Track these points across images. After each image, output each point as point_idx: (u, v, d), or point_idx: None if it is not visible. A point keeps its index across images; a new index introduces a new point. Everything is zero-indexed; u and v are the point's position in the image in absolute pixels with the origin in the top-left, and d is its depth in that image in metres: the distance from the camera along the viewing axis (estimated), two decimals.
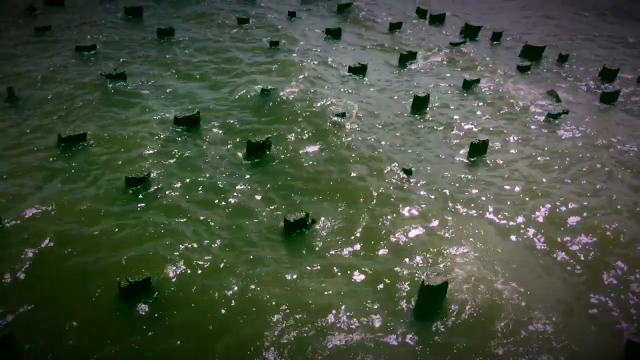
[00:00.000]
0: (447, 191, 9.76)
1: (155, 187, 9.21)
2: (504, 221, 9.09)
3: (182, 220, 8.57)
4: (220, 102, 12.24)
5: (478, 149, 10.97)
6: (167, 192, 9.15)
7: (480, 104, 13.03)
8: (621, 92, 13.89)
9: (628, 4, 23.51)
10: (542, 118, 12.44)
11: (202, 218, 8.68)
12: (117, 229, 8.21)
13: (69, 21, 16.10)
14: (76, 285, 7.22)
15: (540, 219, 9.20)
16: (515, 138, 11.68)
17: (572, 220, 9.19)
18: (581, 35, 19.12)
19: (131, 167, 9.57)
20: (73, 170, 9.55)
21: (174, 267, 7.56)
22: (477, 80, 13.85)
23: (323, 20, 17.78)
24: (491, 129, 11.98)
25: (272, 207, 9.03)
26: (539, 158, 11.01)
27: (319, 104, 12.33)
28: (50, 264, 7.55)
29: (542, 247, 8.59)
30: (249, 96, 12.51)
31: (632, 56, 17.36)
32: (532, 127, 12.13)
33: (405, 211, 9.14)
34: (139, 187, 9.11)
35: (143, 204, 8.84)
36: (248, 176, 9.82)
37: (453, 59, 15.54)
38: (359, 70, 13.99)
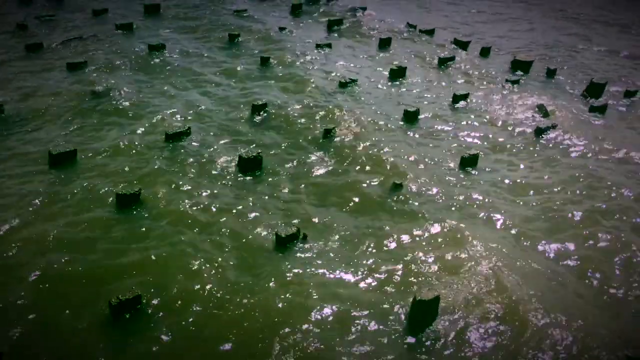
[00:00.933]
0: (438, 204, 9.79)
1: (147, 204, 9.19)
2: (496, 234, 9.12)
3: (172, 237, 8.54)
4: (212, 117, 12.26)
5: (469, 162, 11.04)
6: (157, 209, 9.13)
7: (470, 117, 13.12)
8: (609, 105, 14.02)
9: (613, 15, 23.81)
10: (531, 132, 12.54)
11: (193, 233, 8.66)
12: (106, 248, 8.18)
13: (60, 37, 16.11)
14: (65, 305, 7.17)
15: (533, 231, 9.24)
16: (505, 151, 11.76)
17: (566, 230, 9.25)
18: (568, 48, 19.32)
19: (122, 184, 9.55)
20: (63, 187, 9.52)
21: (164, 285, 7.54)
22: (467, 95, 13.96)
23: (314, 34, 17.89)
24: (481, 142, 12.06)
25: (264, 222, 9.02)
26: (529, 171, 11.09)
27: (310, 118, 12.39)
28: (42, 280, 7.50)
29: (536, 260, 8.61)
30: (241, 110, 12.55)
31: (619, 68, 17.55)
32: (522, 140, 12.22)
33: (397, 225, 9.16)
34: (130, 204, 9.09)
35: (134, 222, 8.81)
36: (239, 191, 9.82)
37: (442, 73, 15.66)
38: (350, 84, 14.07)
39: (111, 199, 9.20)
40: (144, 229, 8.65)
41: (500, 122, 12.95)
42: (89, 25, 17.21)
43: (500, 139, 12.24)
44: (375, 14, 20.57)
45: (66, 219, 8.77)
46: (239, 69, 14.81)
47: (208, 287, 7.61)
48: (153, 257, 8.08)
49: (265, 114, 12.40)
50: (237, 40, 16.77)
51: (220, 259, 8.16)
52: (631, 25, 22.75)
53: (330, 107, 12.99)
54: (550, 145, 12.09)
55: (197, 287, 7.59)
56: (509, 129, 12.72)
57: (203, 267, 7.96)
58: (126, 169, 10.16)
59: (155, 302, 7.27)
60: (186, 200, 9.37)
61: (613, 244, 8.99)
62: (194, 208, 9.23)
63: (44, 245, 8.14)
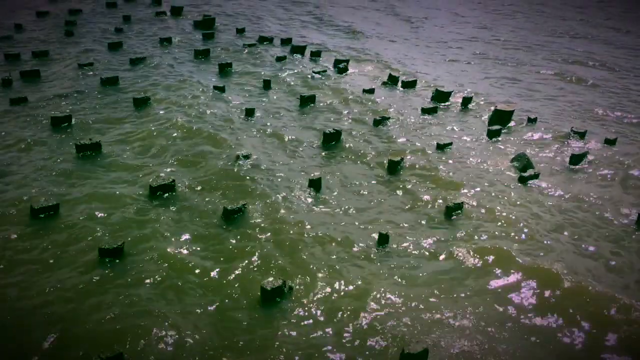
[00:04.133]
0: (424, 257, 9.79)
1: (130, 258, 9.09)
2: (482, 286, 9.09)
3: (156, 291, 8.42)
4: (197, 168, 12.26)
5: (453, 212, 11.11)
6: (141, 263, 9.03)
7: (454, 166, 13.25)
8: (589, 153, 14.25)
9: (586, 58, 24.46)
10: (514, 181, 12.68)
11: (177, 287, 8.56)
12: (88, 303, 8.04)
13: (45, 92, 16.18)
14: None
15: (520, 282, 9.23)
16: (489, 201, 11.85)
17: (552, 284, 9.23)
18: (546, 96, 19.75)
19: (105, 238, 9.46)
20: (44, 242, 9.40)
21: (148, 343, 7.38)
22: (450, 144, 14.14)
23: (298, 86, 18.13)
24: (465, 192, 12.15)
25: (249, 276, 8.94)
26: (513, 220, 11.15)
27: (294, 169, 12.44)
28: (23, 333, 7.32)
29: (522, 312, 8.57)
30: (225, 162, 12.57)
31: (598, 118, 17.91)
32: (505, 189, 12.34)
33: (382, 277, 9.12)
34: (112, 258, 8.99)
35: (116, 276, 8.70)
36: (224, 243, 9.76)
37: (425, 123, 15.88)
38: (334, 136, 14.19)
39: (93, 252, 9.08)
40: (127, 282, 8.52)
41: (484, 171, 13.09)
42: (75, 79, 17.32)
43: (485, 188, 12.34)
44: (358, 65, 20.94)
45: (49, 274, 8.63)
46: (222, 121, 14.90)
47: (190, 345, 7.46)
48: (135, 314, 7.94)
49: (248, 166, 12.43)
50: (223, 92, 16.93)
51: (204, 316, 8.03)
52: (614, 68, 23.42)
53: (315, 156, 13.09)
54: (534, 193, 12.21)
55: (179, 345, 7.44)
56: (493, 177, 12.84)
57: (186, 326, 7.82)
58: (110, 222, 10.09)
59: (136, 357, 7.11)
60: (169, 254, 9.29)
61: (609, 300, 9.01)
62: (178, 261, 9.14)
63: (24, 296, 7.98)
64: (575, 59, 25.13)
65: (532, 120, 16.27)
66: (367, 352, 7.54)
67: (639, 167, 13.94)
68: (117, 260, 8.99)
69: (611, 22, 33.79)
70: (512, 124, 16.17)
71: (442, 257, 9.79)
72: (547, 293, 8.99)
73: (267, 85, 17.92)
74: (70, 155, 12.48)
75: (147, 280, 8.65)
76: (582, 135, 15.16)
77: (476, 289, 8.99)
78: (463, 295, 8.81)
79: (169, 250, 9.43)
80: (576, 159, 13.90)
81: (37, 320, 7.71)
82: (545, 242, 10.42)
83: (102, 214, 10.30)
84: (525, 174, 12.76)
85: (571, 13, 35.80)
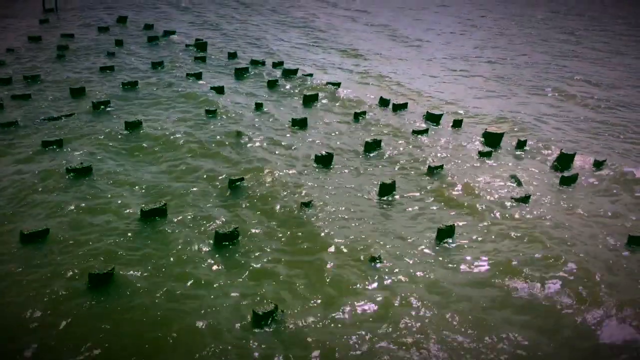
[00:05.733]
0: (416, 278, 9.76)
1: (120, 284, 9.01)
2: (474, 310, 9.05)
3: (145, 319, 8.34)
4: (188, 193, 12.23)
5: (445, 234, 11.10)
6: (132, 289, 8.95)
7: (445, 189, 13.28)
8: (579, 174, 14.34)
9: (573, 82, 24.76)
10: (505, 202, 12.71)
11: (168, 311, 8.48)
12: (77, 332, 7.95)
13: (36, 115, 16.15)
14: None
15: (511, 307, 9.21)
16: (481, 222, 11.86)
17: (547, 309, 9.22)
18: (536, 116, 19.92)
19: (95, 264, 9.38)
20: (33, 268, 9.31)
21: None
22: (441, 167, 14.19)
23: (289, 110, 18.21)
24: (457, 213, 12.17)
25: (242, 301, 8.88)
26: (505, 242, 11.16)
27: (286, 193, 12.43)
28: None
29: (515, 339, 8.53)
30: (216, 187, 12.56)
31: (587, 136, 18.07)
32: (497, 211, 12.36)
33: (374, 300, 9.09)
34: (103, 284, 8.91)
35: (106, 303, 8.61)
36: (216, 267, 9.72)
37: (416, 146, 15.95)
38: (326, 159, 14.23)
39: (83, 278, 9.00)
40: (116, 309, 8.44)
41: (475, 193, 13.12)
42: (66, 104, 17.33)
43: (476, 210, 12.36)
44: (349, 89, 21.08)
45: (37, 301, 8.54)
46: (215, 145, 14.92)
47: None
48: (124, 341, 7.86)
49: (240, 190, 12.43)
50: (215, 116, 16.98)
51: (196, 341, 7.95)
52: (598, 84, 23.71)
53: (307, 181, 13.08)
54: (526, 214, 12.24)
55: None
56: (485, 199, 12.87)
57: (179, 349, 7.74)
58: (100, 247, 10.01)
59: None
60: (160, 279, 9.22)
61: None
62: (169, 287, 9.06)
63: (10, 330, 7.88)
64: (569, 78, 25.43)
65: (522, 143, 16.38)
66: None
67: (626, 189, 14.05)
68: (107, 286, 8.91)
69: (606, 45, 34.28)
70: (501, 145, 16.27)
71: (432, 279, 9.77)
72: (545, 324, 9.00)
73: (258, 107, 18.02)
74: (61, 178, 12.41)
75: (137, 308, 8.58)
76: (571, 157, 15.25)
77: (467, 316, 8.96)
78: (456, 322, 8.79)
79: (159, 273, 9.35)
80: (566, 180, 13.98)
81: (26, 346, 7.61)
82: (536, 265, 10.43)
83: (92, 238, 10.23)
84: (517, 196, 12.80)
85: (561, 35, 36.31)
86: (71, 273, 9.22)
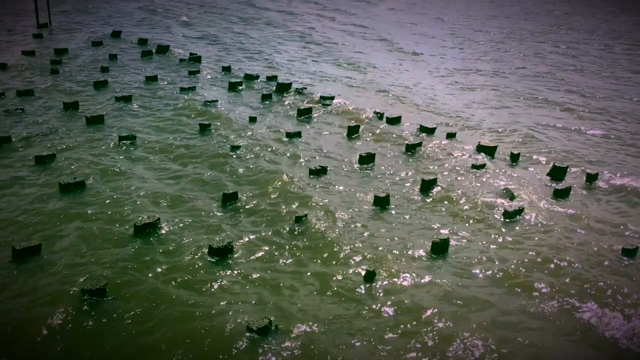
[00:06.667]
0: (410, 293, 9.74)
1: (113, 298, 8.96)
2: (467, 329, 9.03)
3: (138, 334, 8.28)
4: (182, 207, 12.20)
5: (439, 248, 11.11)
6: (125, 303, 8.90)
7: (439, 203, 13.30)
8: (572, 187, 14.38)
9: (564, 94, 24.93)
10: (499, 216, 12.72)
11: (161, 325, 8.44)
12: (70, 349, 7.89)
13: (29, 131, 16.10)
14: None
15: (506, 324, 9.19)
16: (475, 236, 11.87)
17: (541, 326, 9.21)
18: (530, 127, 20.01)
19: (88, 279, 9.33)
20: (27, 284, 9.25)
21: None
22: (435, 180, 14.20)
23: (283, 124, 18.23)
24: (451, 227, 12.18)
25: (236, 316, 8.82)
26: (498, 256, 11.16)
27: (281, 206, 12.42)
28: None
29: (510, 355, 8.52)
30: (210, 201, 12.54)
31: (579, 147, 18.16)
32: (490, 225, 12.38)
33: (367, 317, 9.07)
34: (96, 299, 8.85)
35: (100, 317, 8.56)
36: (209, 282, 9.68)
37: (410, 159, 15.99)
38: (320, 171, 14.25)
39: (75, 293, 8.95)
40: (109, 326, 8.39)
41: (468, 207, 13.14)
42: (59, 118, 17.30)
43: (470, 223, 12.38)
44: (343, 102, 21.15)
45: (28, 314, 8.48)
46: (209, 158, 14.92)
47: None
48: (119, 352, 7.81)
49: (236, 203, 12.41)
50: (208, 130, 16.98)
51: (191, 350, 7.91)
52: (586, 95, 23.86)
53: (302, 194, 13.08)
54: (519, 228, 12.27)
55: None
56: (478, 213, 12.89)
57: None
58: (93, 261, 9.97)
59: None
60: (154, 294, 9.17)
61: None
62: (163, 303, 9.01)
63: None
64: (563, 90, 25.60)
65: (515, 155, 16.44)
66: None
67: (617, 202, 14.11)
68: (101, 300, 8.86)
69: (600, 58, 34.56)
70: (495, 158, 16.33)
71: (426, 292, 9.76)
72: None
73: (252, 120, 18.07)
74: (54, 193, 12.37)
75: (132, 322, 8.52)
76: (564, 170, 15.28)
77: (467, 327, 8.94)
78: (451, 333, 8.78)
79: (153, 288, 9.30)
80: (559, 193, 14.02)
81: None
82: (531, 276, 10.44)
83: (85, 253, 10.19)
84: (510, 209, 12.82)
85: (556, 48, 36.59)
86: (64, 288, 9.15)
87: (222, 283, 9.66)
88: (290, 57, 29.65)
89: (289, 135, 16.90)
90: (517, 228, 12.28)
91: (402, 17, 47.26)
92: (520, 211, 12.81)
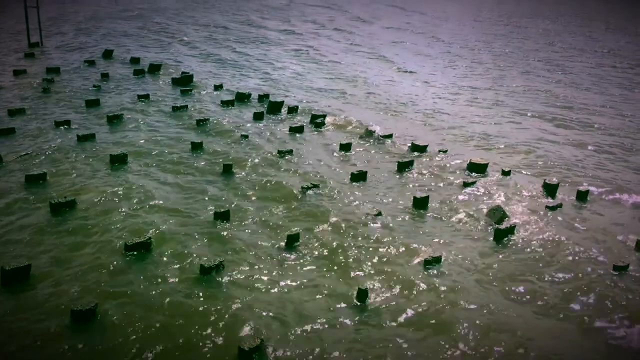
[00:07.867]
0: (403, 313, 9.72)
1: (104, 320, 8.89)
2: (466, 346, 9.02)
3: (128, 351, 8.21)
4: (173, 227, 12.15)
5: (431, 263, 11.15)
6: (114, 325, 8.83)
7: (431, 219, 13.32)
8: (563, 203, 14.45)
9: (557, 110, 25.11)
10: (490, 232, 12.75)
11: (153, 347, 8.36)
12: None
13: (20, 150, 16.04)
14: None
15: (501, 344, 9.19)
16: (467, 252, 11.88)
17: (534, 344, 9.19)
18: (521, 145, 20.09)
19: (78, 300, 9.26)
20: (15, 306, 9.17)
21: None
22: (427, 197, 14.22)
23: (275, 142, 18.26)
24: (443, 243, 12.18)
25: (228, 337, 8.77)
26: (492, 273, 11.17)
27: (273, 227, 12.41)
28: None
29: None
30: (201, 221, 12.50)
31: (571, 162, 18.25)
32: (483, 241, 12.41)
33: (359, 339, 9.03)
34: (85, 321, 8.78)
35: (90, 341, 8.49)
36: (200, 301, 9.61)
37: (402, 177, 16.03)
38: (313, 188, 14.28)
39: (66, 315, 8.87)
40: (99, 348, 8.31)
41: (461, 223, 13.17)
42: (51, 137, 17.25)
43: (463, 240, 12.40)
44: (336, 118, 21.23)
45: (18, 339, 8.39)
46: (200, 177, 14.91)
47: None
48: None
49: (226, 224, 12.38)
50: (200, 148, 16.98)
51: None
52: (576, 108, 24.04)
53: (294, 212, 13.07)
54: (511, 244, 12.29)
55: None
56: (471, 229, 12.92)
57: None
58: (82, 282, 9.89)
59: None
60: (145, 317, 9.10)
61: None
62: (153, 319, 8.95)
63: None
64: (553, 105, 25.79)
65: (506, 173, 16.50)
66: None
67: (608, 218, 14.17)
68: (90, 322, 8.78)
69: (589, 75, 34.88)
70: (486, 175, 16.38)
71: (420, 309, 9.74)
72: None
73: (244, 138, 18.09)
74: (45, 213, 12.30)
75: (120, 345, 8.45)
76: (554, 187, 15.34)
77: (460, 340, 8.92)
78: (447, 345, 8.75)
79: (144, 308, 9.24)
80: (550, 210, 14.08)
81: None
82: (522, 294, 10.44)
83: (75, 273, 10.11)
84: (502, 227, 12.84)
85: (547, 65, 36.93)
86: (53, 309, 9.07)
87: (213, 303, 9.59)
88: (286, 73, 29.84)
89: (281, 153, 16.93)
90: (509, 244, 12.29)
91: (398, 35, 47.64)
92: (511, 229, 12.81)
